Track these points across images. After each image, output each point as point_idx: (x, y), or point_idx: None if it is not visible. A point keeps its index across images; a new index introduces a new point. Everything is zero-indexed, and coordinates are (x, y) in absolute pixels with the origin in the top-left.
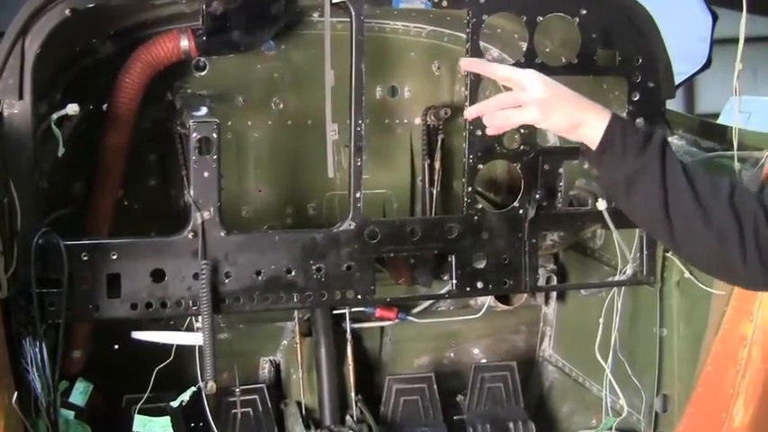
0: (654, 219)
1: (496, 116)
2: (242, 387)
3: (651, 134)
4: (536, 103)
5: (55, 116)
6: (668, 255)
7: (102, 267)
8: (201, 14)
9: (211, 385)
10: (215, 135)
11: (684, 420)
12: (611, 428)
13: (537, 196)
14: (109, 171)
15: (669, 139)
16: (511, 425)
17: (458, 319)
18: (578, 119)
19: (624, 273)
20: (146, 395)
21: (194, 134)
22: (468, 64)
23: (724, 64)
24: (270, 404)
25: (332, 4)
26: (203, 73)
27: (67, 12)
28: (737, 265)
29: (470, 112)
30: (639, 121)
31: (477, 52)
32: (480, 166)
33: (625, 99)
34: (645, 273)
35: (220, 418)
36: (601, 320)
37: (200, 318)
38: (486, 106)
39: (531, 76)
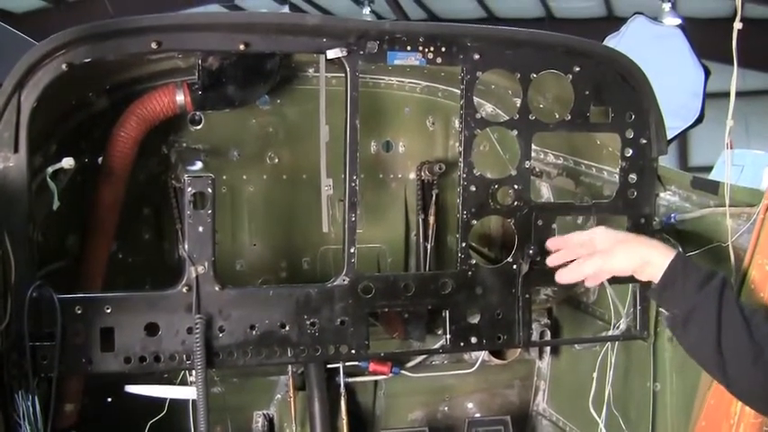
0: (707, 354)
1: (566, 271)
2: None
3: (713, 274)
4: (599, 252)
5: (50, 169)
6: (661, 309)
7: (96, 321)
8: (198, 69)
9: None
10: (210, 190)
11: None
12: None
13: (530, 252)
14: (103, 224)
15: (661, 194)
16: None
17: (451, 373)
18: (641, 259)
19: (618, 327)
20: None
21: (189, 189)
22: (553, 243)
23: (717, 117)
24: None
25: (327, 60)
26: (198, 127)
27: (64, 66)
28: None
29: (553, 243)
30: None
31: (471, 108)
32: (474, 222)
33: (618, 155)
34: (638, 328)
35: None
36: (594, 375)
37: (193, 372)
38: (564, 240)
39: (597, 231)
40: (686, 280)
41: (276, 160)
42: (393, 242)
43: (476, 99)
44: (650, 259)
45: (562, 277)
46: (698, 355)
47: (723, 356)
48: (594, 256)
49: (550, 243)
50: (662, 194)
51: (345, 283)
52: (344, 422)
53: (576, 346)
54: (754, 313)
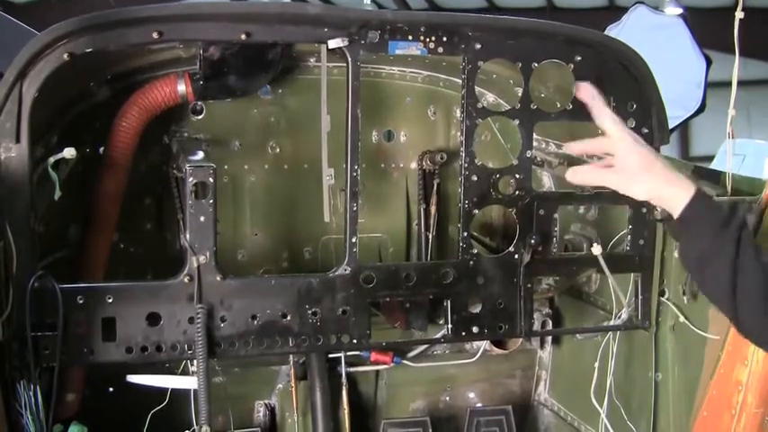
0: (721, 298)
1: (578, 173)
2: (237, 431)
3: (732, 216)
4: (621, 170)
5: (51, 159)
6: (663, 299)
7: (98, 311)
8: (199, 59)
9: (206, 429)
10: (211, 179)
11: None
12: None
13: (532, 241)
14: (104, 214)
15: None
16: None
17: (453, 363)
18: (660, 192)
19: (619, 317)
20: None
21: (191, 178)
22: (584, 90)
23: (718, 107)
24: None
25: (328, 50)
26: (200, 117)
27: (65, 56)
28: None
29: (572, 149)
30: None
31: (472, 97)
32: (475, 211)
33: None
34: (640, 317)
35: None
36: (596, 365)
37: (195, 362)
38: (584, 147)
39: (623, 145)
40: (704, 220)
41: (277, 150)
42: (394, 232)
43: (477, 89)
44: (669, 193)
45: (575, 177)
46: (711, 296)
47: (736, 301)
48: (616, 173)
49: (572, 147)
50: None
51: (347, 272)
52: (346, 412)
53: (577, 335)
54: None
